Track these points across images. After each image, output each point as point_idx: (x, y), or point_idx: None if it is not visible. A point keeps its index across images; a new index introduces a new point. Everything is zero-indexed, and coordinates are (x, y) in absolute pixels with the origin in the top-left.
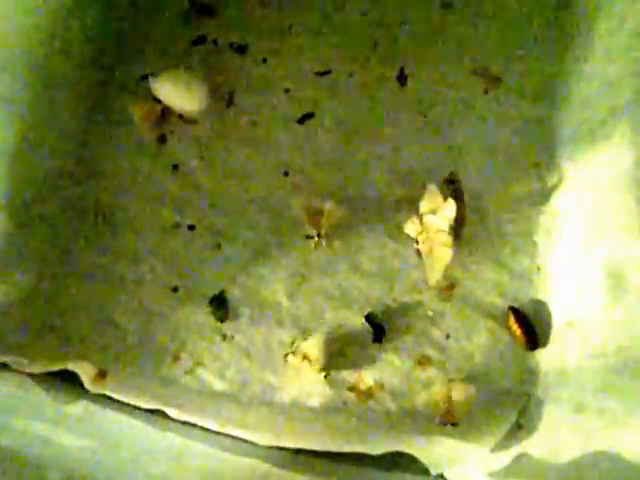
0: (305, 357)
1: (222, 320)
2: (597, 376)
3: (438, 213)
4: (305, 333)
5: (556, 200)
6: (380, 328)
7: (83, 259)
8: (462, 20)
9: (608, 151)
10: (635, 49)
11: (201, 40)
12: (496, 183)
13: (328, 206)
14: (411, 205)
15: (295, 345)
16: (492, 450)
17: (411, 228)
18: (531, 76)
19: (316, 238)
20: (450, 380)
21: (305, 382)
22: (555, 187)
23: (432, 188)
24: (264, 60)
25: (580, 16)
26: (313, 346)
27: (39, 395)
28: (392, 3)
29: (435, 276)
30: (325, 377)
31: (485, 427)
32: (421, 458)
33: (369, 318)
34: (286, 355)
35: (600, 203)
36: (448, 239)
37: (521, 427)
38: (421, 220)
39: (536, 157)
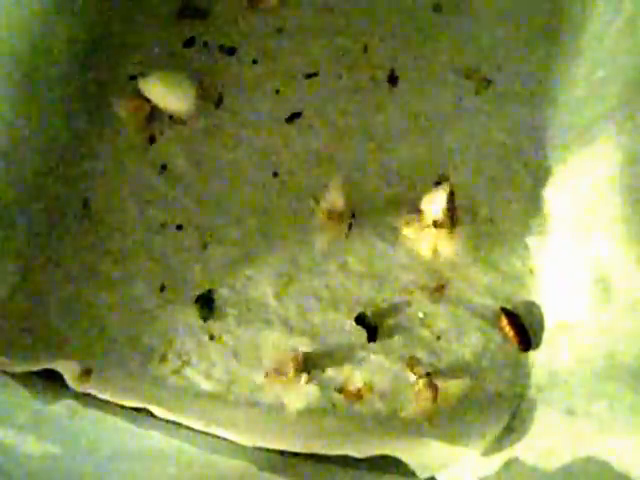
0: (293, 359)
1: (206, 319)
2: (586, 380)
3: (429, 204)
4: (293, 333)
5: (548, 202)
6: (372, 328)
7: (69, 258)
8: (453, 22)
9: (595, 154)
10: (620, 54)
11: (191, 42)
12: (487, 184)
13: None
14: (401, 206)
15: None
16: (483, 454)
17: (406, 227)
18: (521, 78)
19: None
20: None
21: (292, 383)
22: (547, 189)
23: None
24: (254, 61)
25: (569, 21)
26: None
27: (18, 396)
28: (382, 6)
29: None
30: (313, 379)
31: (476, 430)
32: (409, 462)
33: (360, 319)
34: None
35: (589, 206)
36: (442, 223)
37: (513, 430)
38: (417, 218)
39: (527, 158)
